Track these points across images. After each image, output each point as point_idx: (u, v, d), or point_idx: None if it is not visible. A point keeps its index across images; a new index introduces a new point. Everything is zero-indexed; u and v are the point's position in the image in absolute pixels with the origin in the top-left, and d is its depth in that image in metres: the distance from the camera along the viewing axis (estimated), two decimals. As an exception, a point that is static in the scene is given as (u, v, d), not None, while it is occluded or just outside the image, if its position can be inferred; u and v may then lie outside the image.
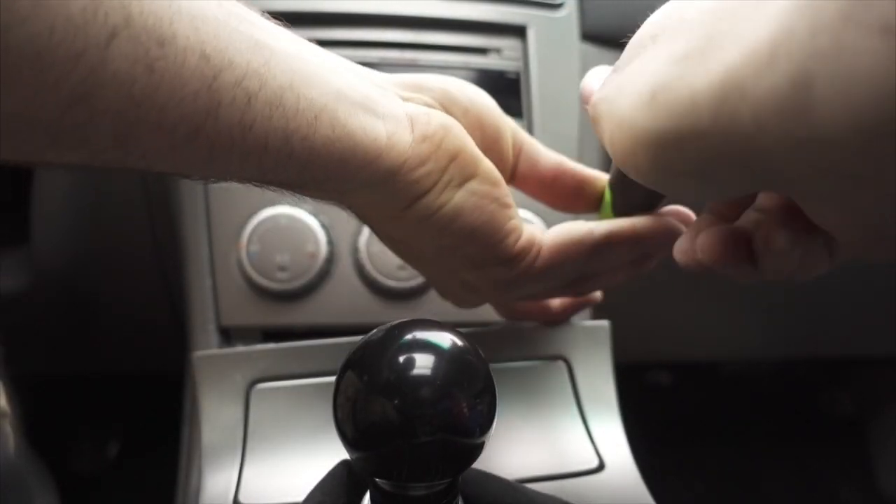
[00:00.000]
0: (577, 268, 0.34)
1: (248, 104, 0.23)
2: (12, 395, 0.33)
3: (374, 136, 0.27)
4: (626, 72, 0.21)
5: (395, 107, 0.29)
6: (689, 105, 0.17)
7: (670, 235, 0.33)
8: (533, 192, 0.38)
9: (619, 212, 0.34)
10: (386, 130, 0.27)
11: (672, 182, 0.20)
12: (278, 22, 0.28)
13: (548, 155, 0.37)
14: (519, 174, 0.37)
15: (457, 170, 0.30)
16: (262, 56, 0.23)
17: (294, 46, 0.26)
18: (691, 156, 0.18)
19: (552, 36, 0.53)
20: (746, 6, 0.16)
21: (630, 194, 0.33)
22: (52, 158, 0.21)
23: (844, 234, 0.18)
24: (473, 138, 0.31)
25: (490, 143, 0.33)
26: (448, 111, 0.31)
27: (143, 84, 0.20)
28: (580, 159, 0.51)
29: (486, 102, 0.34)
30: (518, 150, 0.36)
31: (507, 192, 0.32)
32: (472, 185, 0.30)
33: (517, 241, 0.32)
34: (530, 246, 0.33)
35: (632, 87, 0.20)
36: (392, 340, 0.22)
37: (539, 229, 0.34)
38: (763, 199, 0.26)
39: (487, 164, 0.31)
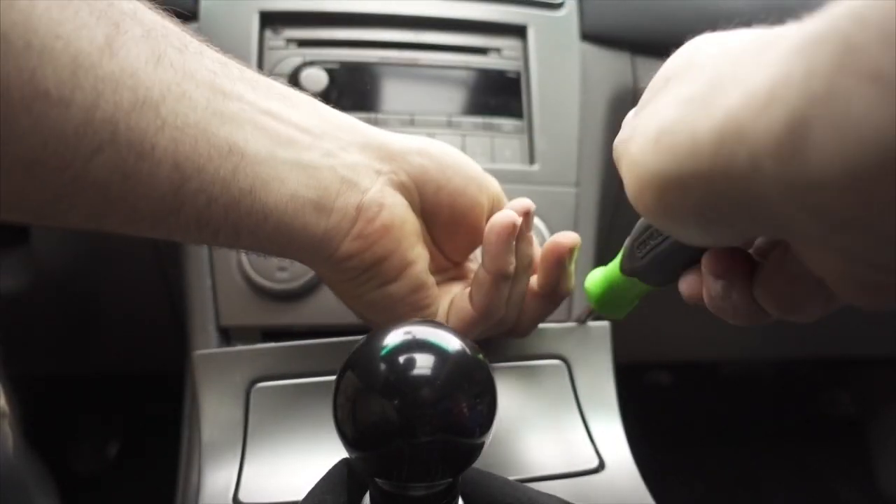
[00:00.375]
0: (479, 330, 0.37)
1: (208, 207, 0.27)
2: (12, 396, 0.33)
3: (313, 232, 0.31)
4: (641, 115, 0.22)
5: (352, 196, 0.31)
6: (691, 147, 0.17)
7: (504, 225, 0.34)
8: None
9: (624, 270, 0.33)
10: (326, 226, 0.31)
11: (677, 224, 0.21)
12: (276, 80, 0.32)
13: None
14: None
15: (380, 272, 0.33)
16: (231, 162, 0.27)
17: (267, 145, 0.29)
18: (693, 198, 0.18)
19: (552, 36, 0.53)
20: (750, 51, 0.17)
21: (635, 260, 0.31)
22: (37, 223, 0.26)
23: (836, 282, 0.18)
24: (440, 215, 0.35)
25: (460, 217, 0.36)
26: (420, 187, 0.34)
27: (118, 188, 0.24)
28: (580, 159, 0.51)
29: (462, 183, 0.35)
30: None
31: (429, 294, 0.35)
32: (391, 288, 0.34)
33: None
34: None
35: (643, 128, 0.21)
36: (392, 341, 0.22)
37: (447, 306, 0.37)
38: (761, 243, 0.26)
39: (416, 270, 0.34)
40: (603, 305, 0.37)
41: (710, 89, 0.17)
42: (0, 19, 0.19)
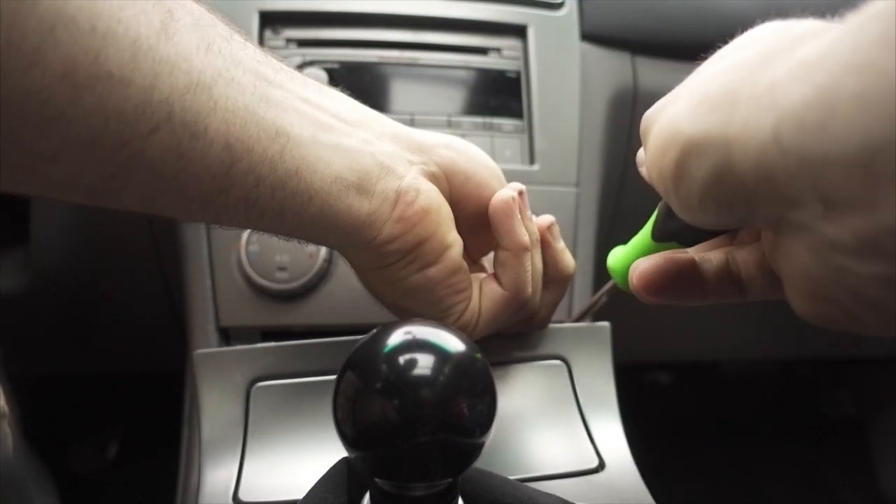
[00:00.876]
0: (512, 315, 0.39)
1: (256, 187, 0.27)
2: (11, 396, 0.33)
3: (357, 214, 0.31)
4: (688, 81, 0.23)
5: (391, 181, 0.32)
6: (728, 111, 0.18)
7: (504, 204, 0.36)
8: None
9: (657, 237, 0.34)
10: (369, 209, 0.32)
11: (681, 195, 0.21)
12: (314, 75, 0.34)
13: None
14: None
15: (421, 254, 0.34)
16: (279, 144, 0.28)
17: (310, 130, 0.30)
18: (707, 166, 0.19)
19: (552, 36, 0.53)
20: (809, 31, 0.17)
21: (672, 221, 0.32)
22: (86, 203, 0.26)
23: (796, 282, 0.19)
24: (468, 206, 0.36)
25: (484, 210, 0.37)
26: (449, 178, 0.35)
27: (171, 167, 0.25)
28: (580, 159, 0.51)
29: (488, 175, 0.37)
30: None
31: (464, 279, 0.36)
32: (431, 272, 0.34)
33: (459, 318, 0.37)
34: (469, 321, 0.37)
35: (687, 91, 0.21)
36: (392, 341, 0.22)
37: (478, 294, 0.38)
38: (742, 235, 0.28)
39: (452, 254, 0.35)
40: None
41: (762, 59, 0.18)
42: (68, 4, 0.20)
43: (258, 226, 0.30)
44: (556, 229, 0.40)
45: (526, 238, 0.36)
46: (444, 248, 0.34)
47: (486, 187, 0.36)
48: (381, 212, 0.32)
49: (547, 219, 0.40)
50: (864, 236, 0.15)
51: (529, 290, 0.38)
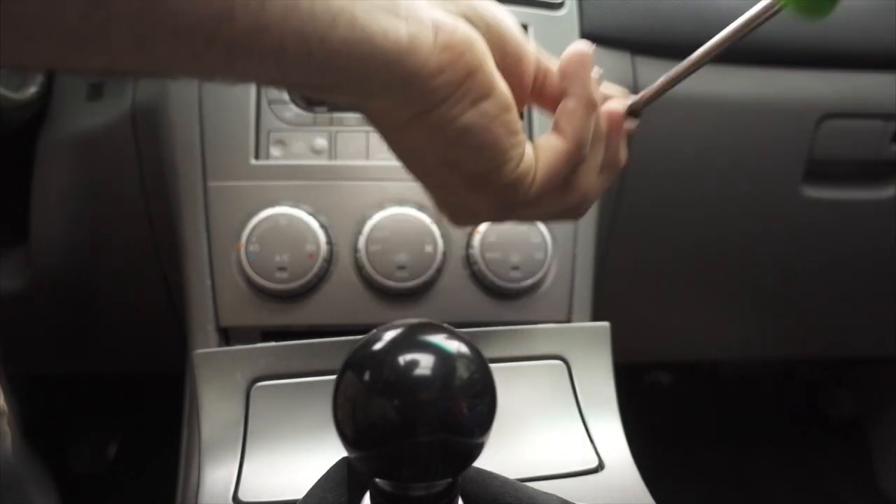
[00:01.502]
0: (568, 172, 0.35)
1: (262, 7, 0.23)
2: (11, 395, 0.33)
3: (396, 38, 0.27)
4: None
5: (421, 10, 0.28)
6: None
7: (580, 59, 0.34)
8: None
9: None
10: (408, 32, 0.27)
11: None
12: None
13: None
14: (547, 96, 0.37)
15: (473, 86, 0.30)
16: None
17: None
18: None
19: (552, 36, 0.53)
20: None
21: None
22: (76, 64, 0.22)
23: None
24: (493, 57, 0.31)
25: (511, 65, 0.33)
26: (473, 25, 0.31)
27: None
28: (580, 159, 0.51)
29: (511, 24, 0.33)
30: (544, 75, 0.36)
31: (517, 119, 0.32)
32: (485, 106, 0.30)
33: (517, 167, 0.33)
34: (527, 173, 0.33)
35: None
36: (392, 341, 0.22)
37: (532, 154, 0.34)
38: None
39: (502, 88, 0.31)
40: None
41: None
42: None
43: (282, 67, 0.25)
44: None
45: (596, 94, 0.34)
46: (494, 79, 0.31)
47: (513, 39, 0.33)
48: (422, 37, 0.28)
49: (620, 103, 0.36)
50: None
51: (588, 147, 0.35)
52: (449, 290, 0.48)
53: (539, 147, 0.34)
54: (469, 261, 0.47)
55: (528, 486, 0.29)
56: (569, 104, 0.34)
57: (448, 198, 0.37)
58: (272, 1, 0.23)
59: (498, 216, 0.37)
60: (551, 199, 0.36)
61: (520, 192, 0.34)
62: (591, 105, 0.34)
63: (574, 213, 0.39)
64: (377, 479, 0.24)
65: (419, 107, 0.30)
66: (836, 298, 0.76)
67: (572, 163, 0.34)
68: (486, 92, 0.30)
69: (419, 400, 0.21)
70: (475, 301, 0.48)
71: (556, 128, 0.34)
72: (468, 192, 0.34)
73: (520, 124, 0.32)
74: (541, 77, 0.36)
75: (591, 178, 0.37)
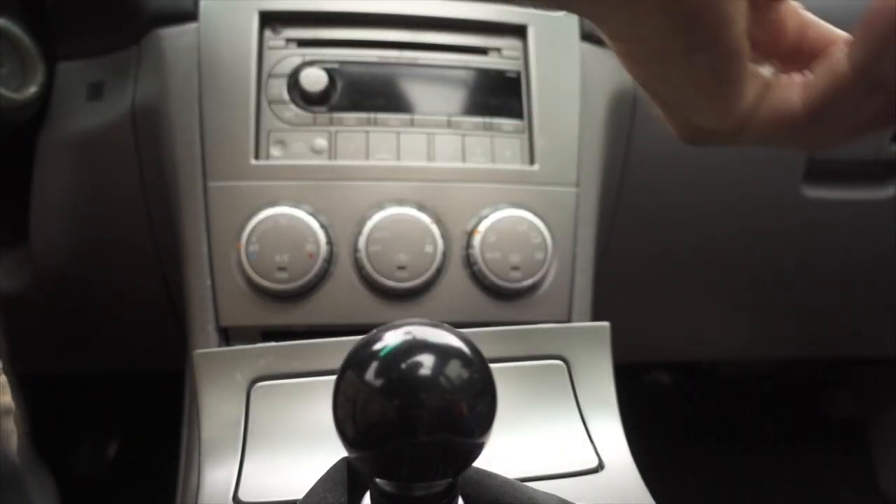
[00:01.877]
0: (798, 132, 0.29)
1: None
2: (18, 393, 0.33)
3: None
4: None
5: None
6: None
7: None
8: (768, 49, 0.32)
9: None
10: None
11: None
12: None
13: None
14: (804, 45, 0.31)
15: (690, 30, 0.25)
16: None
17: None
18: None
19: (552, 35, 0.53)
20: None
21: None
22: None
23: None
24: None
25: None
26: None
27: None
28: (580, 159, 0.51)
29: None
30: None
31: (743, 65, 0.27)
32: (696, 57, 0.26)
33: (724, 118, 0.29)
34: (738, 120, 0.29)
35: None
36: (392, 341, 0.22)
37: (755, 95, 0.29)
38: None
39: (733, 31, 0.26)
40: None
41: None
42: None
43: None
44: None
45: (886, 78, 0.25)
46: (723, 20, 0.25)
47: None
48: None
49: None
50: None
51: (826, 131, 0.29)
52: (449, 290, 0.48)
53: (769, 95, 0.29)
54: (469, 261, 0.48)
55: (527, 486, 0.29)
56: (834, 65, 0.27)
57: (672, 94, 0.30)
58: None
59: (728, 124, 0.30)
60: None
61: (720, 135, 0.30)
62: (870, 83, 0.26)
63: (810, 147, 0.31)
64: (377, 479, 0.24)
65: (625, 33, 0.26)
66: (836, 298, 0.76)
67: (800, 136, 0.29)
68: (706, 39, 0.25)
69: (419, 400, 0.21)
70: (475, 301, 0.48)
71: (802, 84, 0.28)
72: (687, 67, 0.27)
73: (744, 73, 0.27)
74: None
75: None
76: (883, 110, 0.27)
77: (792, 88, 0.29)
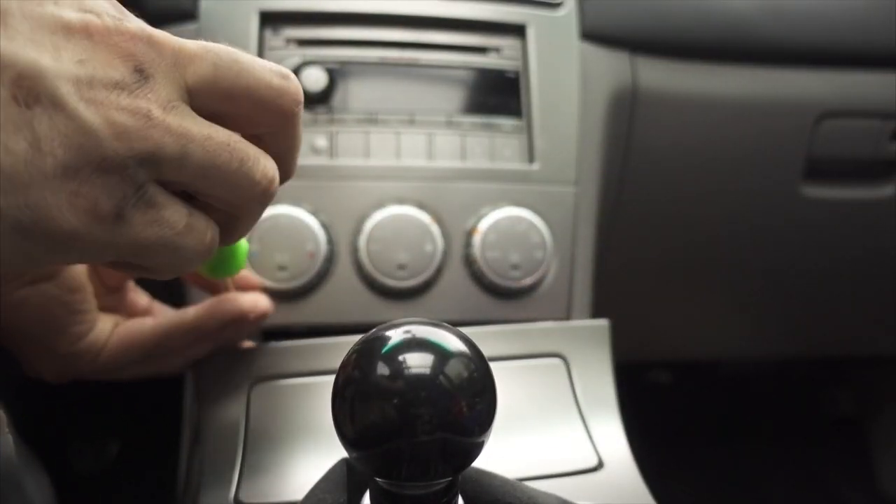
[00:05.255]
0: (145, 354, 0.38)
1: None
2: (2, 395, 0.33)
3: None
4: None
5: None
6: None
7: (230, 318, 0.38)
8: None
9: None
10: None
11: None
12: None
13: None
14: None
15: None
16: None
17: None
18: None
19: (552, 35, 0.53)
20: None
21: None
22: None
23: None
24: None
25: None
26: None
27: None
28: (579, 158, 0.51)
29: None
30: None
31: (86, 299, 0.35)
32: (44, 287, 0.32)
33: (78, 341, 0.35)
34: (94, 345, 0.36)
35: None
36: (391, 340, 0.22)
37: (110, 328, 0.37)
38: None
39: (73, 272, 0.33)
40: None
41: None
42: None
43: None
44: None
45: None
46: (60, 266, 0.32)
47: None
48: None
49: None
50: None
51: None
52: (449, 289, 0.48)
53: (127, 325, 0.37)
54: (469, 260, 0.48)
55: (527, 486, 0.29)
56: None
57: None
58: None
59: (60, 375, 0.38)
60: (135, 368, 0.39)
61: (84, 361, 0.36)
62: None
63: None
64: (377, 479, 0.24)
65: None
66: (835, 297, 0.76)
67: (152, 346, 0.37)
68: (49, 274, 0.32)
69: (419, 399, 0.21)
70: (475, 300, 0.48)
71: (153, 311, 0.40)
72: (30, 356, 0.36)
73: (90, 303, 0.35)
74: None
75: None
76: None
77: (135, 325, 0.38)
